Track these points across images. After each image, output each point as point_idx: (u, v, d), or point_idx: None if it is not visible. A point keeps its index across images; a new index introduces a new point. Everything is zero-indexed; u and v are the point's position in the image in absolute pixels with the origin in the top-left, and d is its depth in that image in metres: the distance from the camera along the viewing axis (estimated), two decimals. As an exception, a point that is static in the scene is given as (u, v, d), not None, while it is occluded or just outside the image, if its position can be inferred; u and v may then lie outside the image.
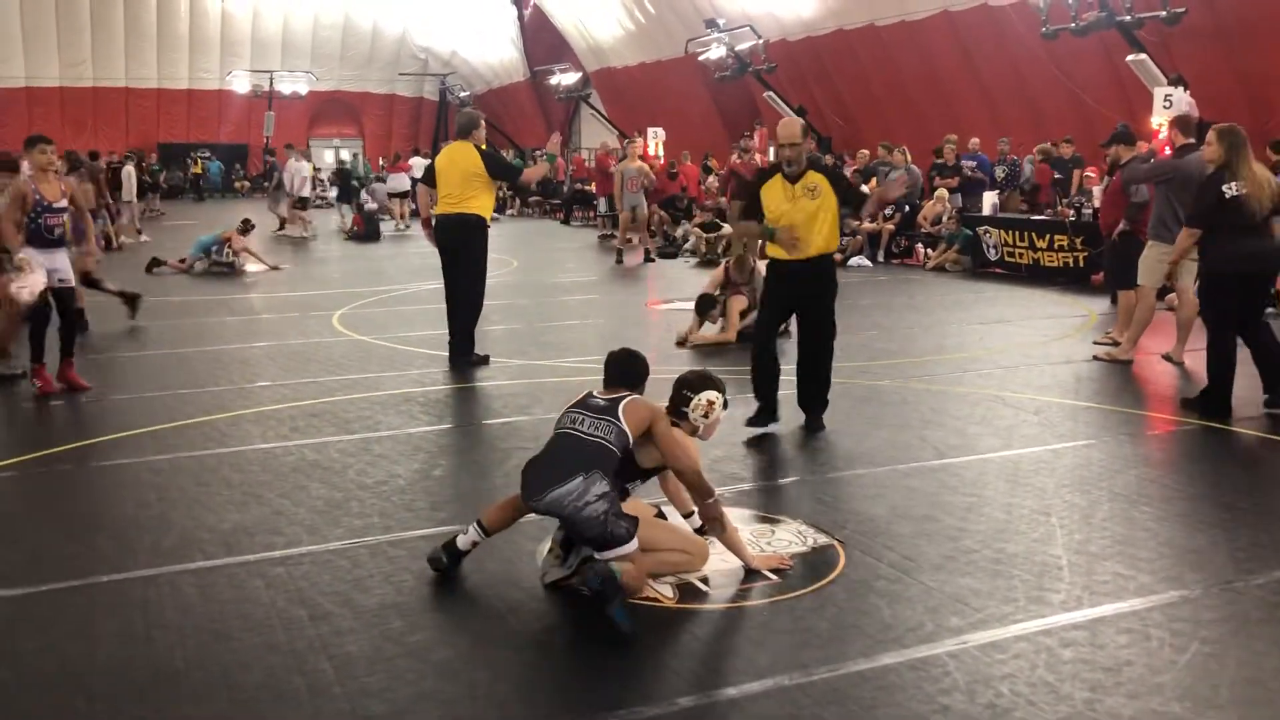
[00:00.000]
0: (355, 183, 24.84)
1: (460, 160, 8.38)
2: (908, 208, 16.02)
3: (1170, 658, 3.49)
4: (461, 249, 8.47)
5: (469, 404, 7.34)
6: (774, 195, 6.21)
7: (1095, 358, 8.51)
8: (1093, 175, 14.46)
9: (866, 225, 16.07)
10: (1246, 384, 7.20)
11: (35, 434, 6.63)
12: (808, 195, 6.12)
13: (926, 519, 4.82)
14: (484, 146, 8.51)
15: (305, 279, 14.67)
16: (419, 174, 24.25)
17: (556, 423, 4.24)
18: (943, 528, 4.70)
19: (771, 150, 23.81)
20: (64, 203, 7.48)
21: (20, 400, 7.27)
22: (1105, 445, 6.02)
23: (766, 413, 6.41)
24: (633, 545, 3.85)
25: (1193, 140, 8.17)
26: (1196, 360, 8.30)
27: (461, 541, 4.20)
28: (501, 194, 25.17)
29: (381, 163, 30.65)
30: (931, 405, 7.08)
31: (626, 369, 4.45)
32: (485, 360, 8.57)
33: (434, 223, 8.68)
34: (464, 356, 8.52)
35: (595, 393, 4.30)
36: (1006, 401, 7.08)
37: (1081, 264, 12.99)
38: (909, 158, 16.61)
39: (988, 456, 5.83)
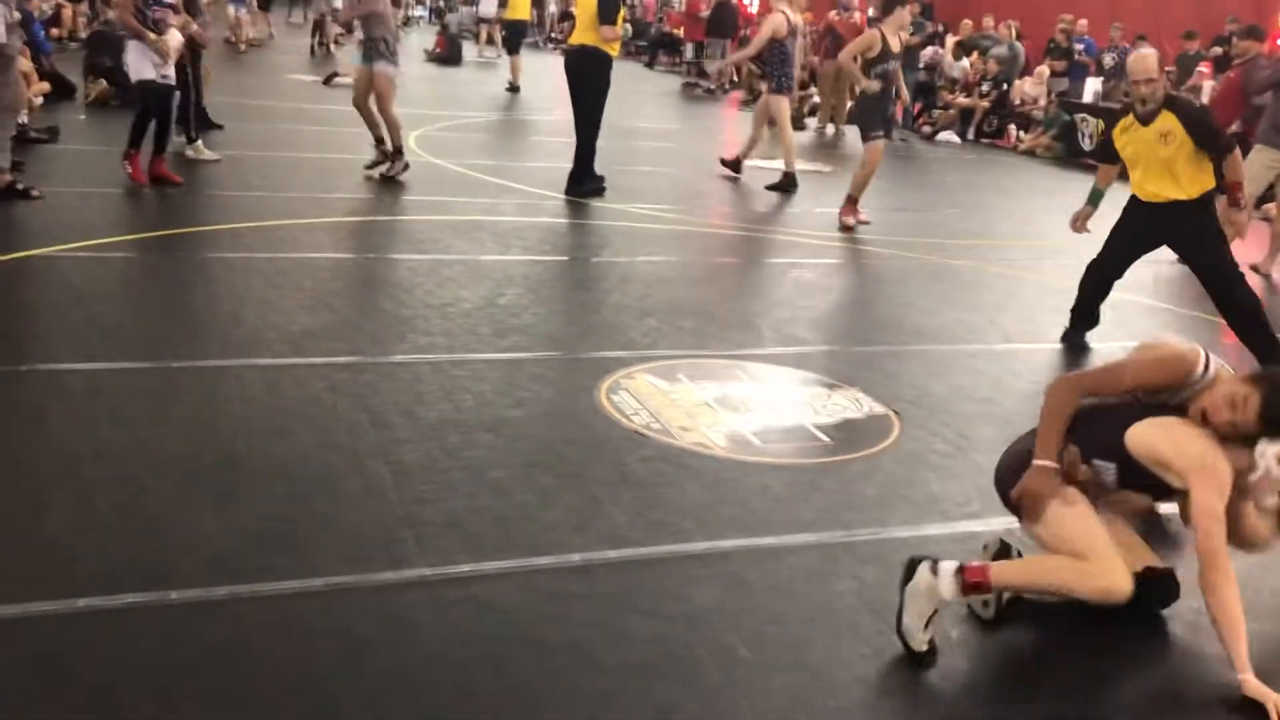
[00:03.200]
0: (442, 3, 24.33)
1: None
2: (1005, 85, 15.41)
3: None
4: (582, 81, 8.53)
5: (537, 238, 7.33)
6: (1126, 137, 5.51)
7: (1179, 260, 8.25)
8: (1205, 71, 13.76)
9: (960, 100, 15.53)
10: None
11: (119, 220, 6.74)
12: (1160, 140, 5.33)
13: (987, 400, 4.78)
14: None
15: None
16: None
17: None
18: (1001, 410, 4.66)
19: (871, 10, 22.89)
20: None
21: (110, 187, 7.36)
22: (1179, 349, 5.88)
23: (1079, 321, 5.92)
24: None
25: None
26: (1287, 274, 8.04)
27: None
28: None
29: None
30: (1006, 289, 6.96)
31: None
32: (600, 189, 8.73)
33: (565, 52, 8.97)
34: (577, 184, 8.66)
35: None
36: (1083, 294, 6.92)
37: (1180, 164, 12.48)
38: (1014, 33, 15.90)
39: (1056, 346, 5.75)
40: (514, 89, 15.76)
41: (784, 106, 9.99)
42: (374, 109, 8.42)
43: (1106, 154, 5.76)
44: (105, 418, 3.80)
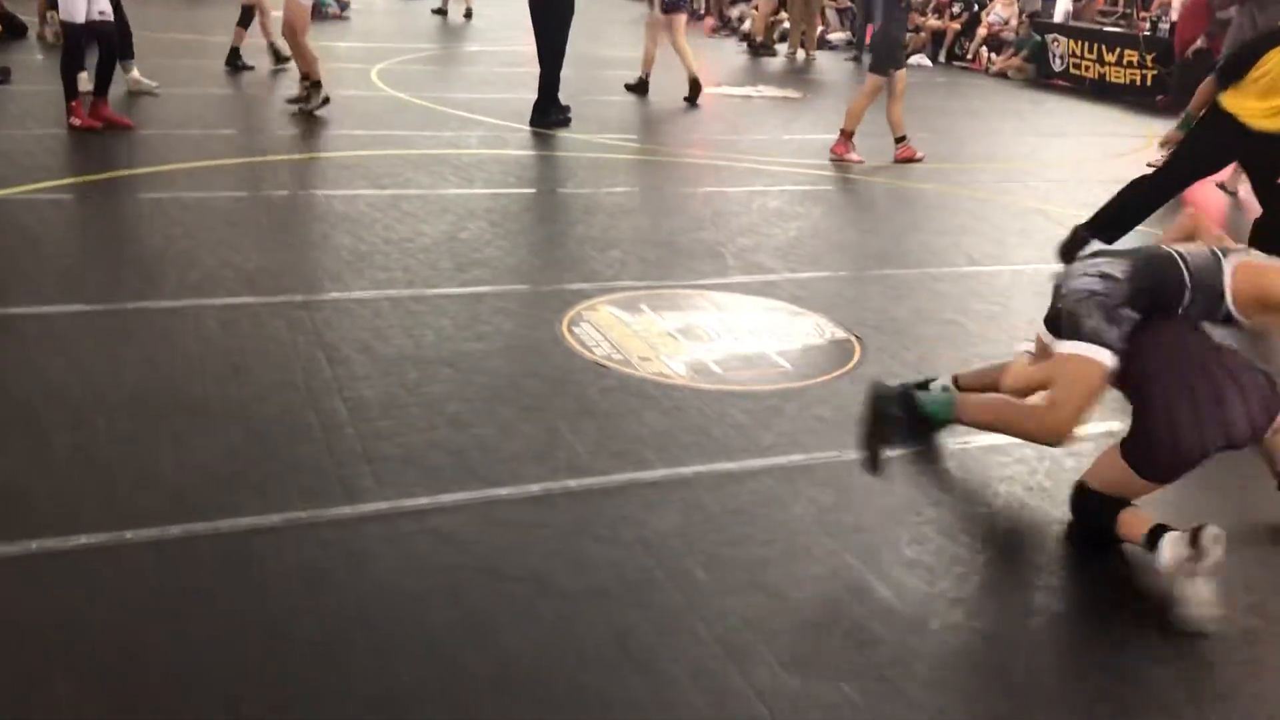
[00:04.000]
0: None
1: None
2: (976, 6, 15.26)
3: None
4: (543, 9, 8.38)
5: (500, 170, 7.24)
6: (1268, 67, 5.14)
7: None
8: (1176, -13, 13.65)
9: (931, 23, 15.38)
10: None
11: (71, 162, 6.61)
12: None
13: (949, 323, 4.80)
14: None
15: (347, 30, 14.29)
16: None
17: None
18: (964, 333, 4.68)
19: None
20: None
21: (63, 128, 7.20)
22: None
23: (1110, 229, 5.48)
24: (1088, 349, 2.94)
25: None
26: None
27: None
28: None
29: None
30: (972, 213, 6.94)
31: None
32: (565, 119, 8.58)
33: None
34: (542, 115, 8.50)
35: None
36: (1049, 215, 6.92)
37: (1149, 83, 12.44)
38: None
39: (1020, 268, 5.75)
40: (467, 15, 16.08)
41: (657, 24, 10.31)
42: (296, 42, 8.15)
43: (1235, 73, 5.31)
44: (59, 360, 3.76)
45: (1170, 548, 2.72)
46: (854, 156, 8.05)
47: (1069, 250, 5.42)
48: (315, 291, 4.58)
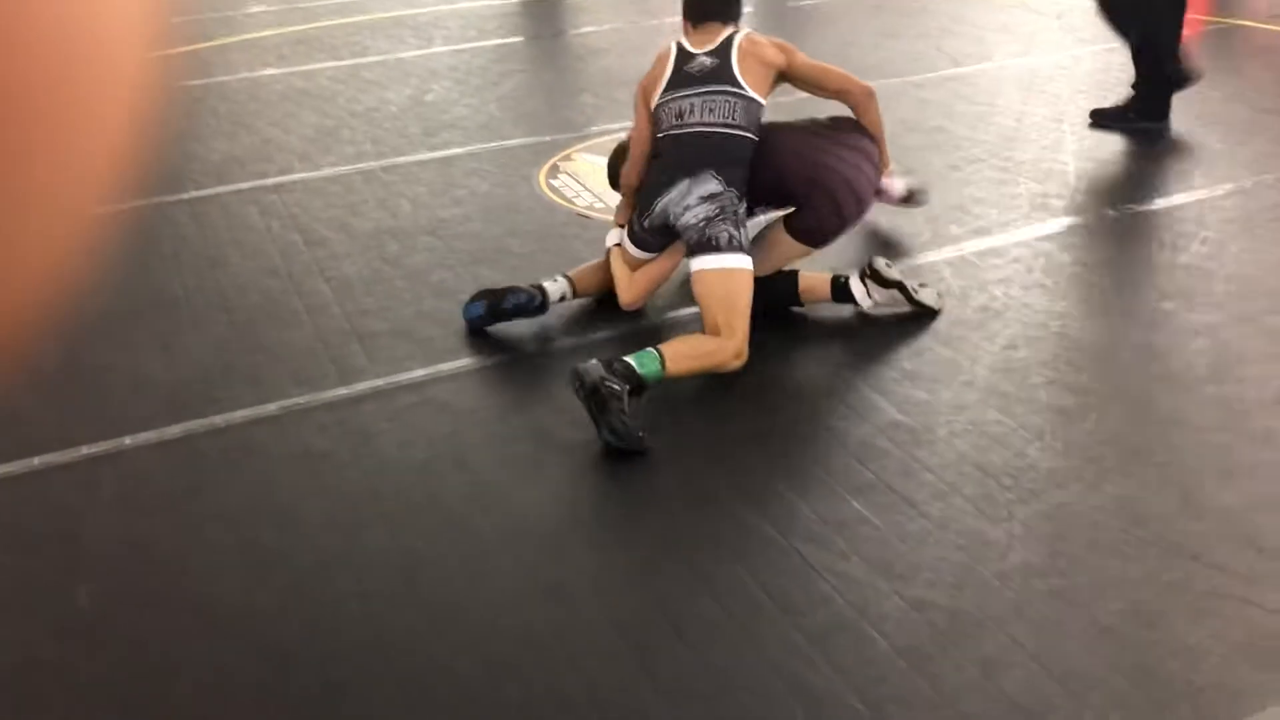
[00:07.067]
0: None
1: None
2: None
3: (1167, 258, 3.47)
4: None
5: (460, 25, 6.98)
6: None
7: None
8: None
9: None
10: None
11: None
12: None
13: (936, 130, 4.67)
14: None
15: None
16: None
17: (654, 117, 3.22)
18: (951, 138, 4.57)
19: None
20: None
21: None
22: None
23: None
24: (731, 259, 2.94)
25: None
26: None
27: (551, 290, 3.23)
28: None
29: None
30: (951, 13, 6.71)
31: None
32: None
33: None
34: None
35: (686, 46, 3.23)
36: (1029, 6, 6.69)
37: None
38: None
39: (1004, 64, 5.58)
40: None
41: None
42: None
43: None
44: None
45: (859, 287, 3.15)
46: None
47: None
48: (284, 173, 4.47)
